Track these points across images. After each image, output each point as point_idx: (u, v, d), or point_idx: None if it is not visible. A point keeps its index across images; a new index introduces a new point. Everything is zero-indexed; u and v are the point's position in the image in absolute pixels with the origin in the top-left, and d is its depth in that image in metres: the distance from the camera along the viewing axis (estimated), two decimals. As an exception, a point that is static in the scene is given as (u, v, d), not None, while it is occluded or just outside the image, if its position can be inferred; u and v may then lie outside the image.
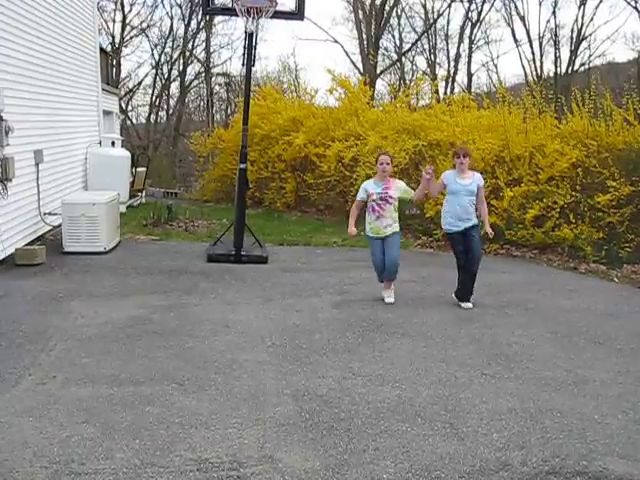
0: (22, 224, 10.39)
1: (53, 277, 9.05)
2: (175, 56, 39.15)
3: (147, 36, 40.19)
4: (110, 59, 23.24)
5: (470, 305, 8.03)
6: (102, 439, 4.41)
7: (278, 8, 9.94)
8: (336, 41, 43.03)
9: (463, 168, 7.97)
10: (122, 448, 4.30)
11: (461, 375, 5.75)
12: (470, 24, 39.73)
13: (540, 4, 40.65)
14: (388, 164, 8.00)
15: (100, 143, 15.49)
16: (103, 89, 17.19)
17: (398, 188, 8.07)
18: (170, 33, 38.60)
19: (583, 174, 11.33)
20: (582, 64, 37.65)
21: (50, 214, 11.42)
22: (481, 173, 8.60)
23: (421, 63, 45.56)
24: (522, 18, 38.15)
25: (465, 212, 7.89)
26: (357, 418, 4.83)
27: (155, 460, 4.16)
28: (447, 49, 42.01)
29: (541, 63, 38.75)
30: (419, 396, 5.26)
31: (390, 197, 7.96)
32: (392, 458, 4.25)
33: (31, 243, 10.61)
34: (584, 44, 37.43)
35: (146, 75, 40.86)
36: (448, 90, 37.86)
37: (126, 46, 39.24)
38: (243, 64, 10.47)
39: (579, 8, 36.39)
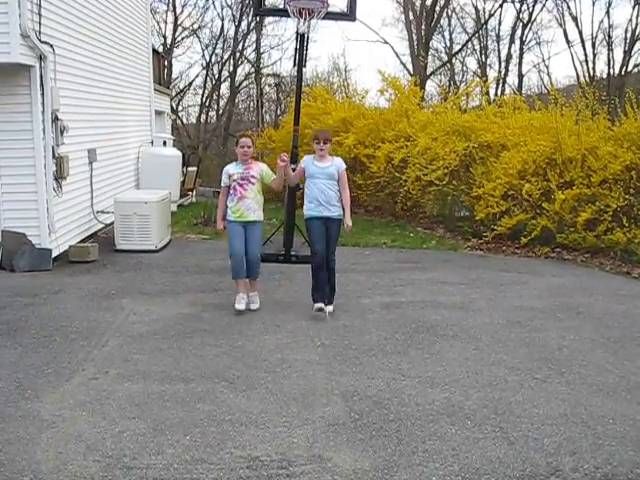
0: (76, 222, 10.60)
1: (105, 274, 9.21)
2: (225, 57, 39.25)
3: (198, 37, 40.45)
4: (162, 60, 23.44)
5: (330, 309, 7.55)
6: (153, 435, 4.49)
7: (330, 9, 9.92)
8: (386, 42, 42.49)
9: (323, 154, 7.57)
10: (173, 444, 4.36)
11: (511, 379, 5.70)
12: (521, 25, 39.17)
13: (593, 4, 40.23)
14: (249, 147, 7.65)
15: (152, 142, 15.66)
16: (155, 89, 17.43)
17: (260, 169, 7.71)
18: (221, 34, 38.72)
19: (637, 177, 11.12)
20: (636, 65, 36.79)
21: (102, 212, 11.61)
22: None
23: (472, 64, 45.14)
24: (574, 18, 37.46)
25: (325, 197, 7.41)
26: (406, 420, 4.82)
27: (205, 457, 4.21)
28: (498, 50, 41.57)
29: (594, 64, 37.98)
30: (469, 399, 5.23)
31: (252, 177, 7.57)
32: (441, 460, 4.23)
33: (84, 240, 10.82)
34: (638, 44, 36.63)
35: (197, 76, 40.88)
36: (499, 91, 37.27)
37: (177, 47, 39.56)
38: (294, 65, 10.45)
39: (634, 8, 35.59)
